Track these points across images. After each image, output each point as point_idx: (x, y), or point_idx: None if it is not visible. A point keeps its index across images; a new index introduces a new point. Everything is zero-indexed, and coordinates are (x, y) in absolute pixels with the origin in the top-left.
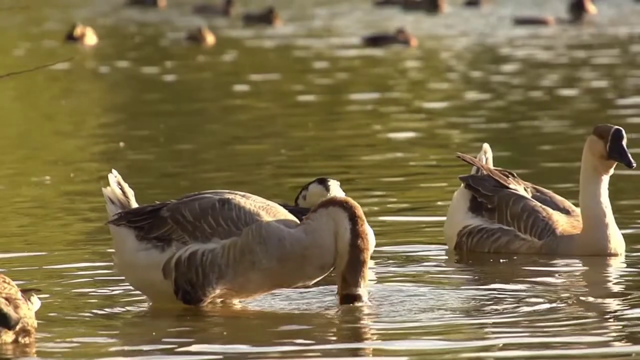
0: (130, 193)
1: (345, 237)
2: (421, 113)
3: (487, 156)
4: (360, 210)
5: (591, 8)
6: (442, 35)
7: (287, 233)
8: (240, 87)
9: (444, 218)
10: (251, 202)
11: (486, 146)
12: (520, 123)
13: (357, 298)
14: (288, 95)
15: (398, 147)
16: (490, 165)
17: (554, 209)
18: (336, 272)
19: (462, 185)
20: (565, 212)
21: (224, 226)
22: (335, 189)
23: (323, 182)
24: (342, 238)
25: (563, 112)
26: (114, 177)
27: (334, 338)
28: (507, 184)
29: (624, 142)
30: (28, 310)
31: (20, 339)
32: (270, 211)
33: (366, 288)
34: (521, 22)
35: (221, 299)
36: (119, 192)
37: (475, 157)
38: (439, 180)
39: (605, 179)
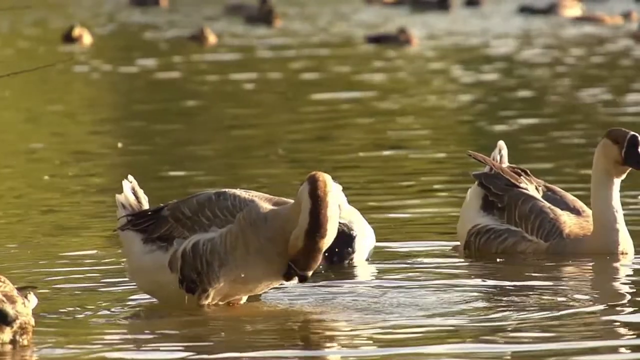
0: (144, 199)
1: (303, 219)
2: (423, 112)
3: (502, 153)
4: (323, 188)
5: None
6: (444, 35)
7: (271, 211)
8: (240, 87)
9: (444, 217)
10: (247, 193)
11: (501, 143)
12: (522, 123)
13: (305, 279)
14: (288, 94)
15: (399, 146)
16: (505, 163)
17: (564, 209)
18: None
19: (476, 182)
20: (576, 212)
21: (220, 216)
22: (337, 192)
23: None
24: (301, 218)
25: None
26: (128, 183)
27: (333, 339)
28: (518, 183)
29: None
30: (25, 308)
31: (18, 337)
32: (264, 197)
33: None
34: (579, 19)
35: (228, 298)
36: (132, 198)
37: (490, 156)
38: (442, 179)
39: (617, 182)
